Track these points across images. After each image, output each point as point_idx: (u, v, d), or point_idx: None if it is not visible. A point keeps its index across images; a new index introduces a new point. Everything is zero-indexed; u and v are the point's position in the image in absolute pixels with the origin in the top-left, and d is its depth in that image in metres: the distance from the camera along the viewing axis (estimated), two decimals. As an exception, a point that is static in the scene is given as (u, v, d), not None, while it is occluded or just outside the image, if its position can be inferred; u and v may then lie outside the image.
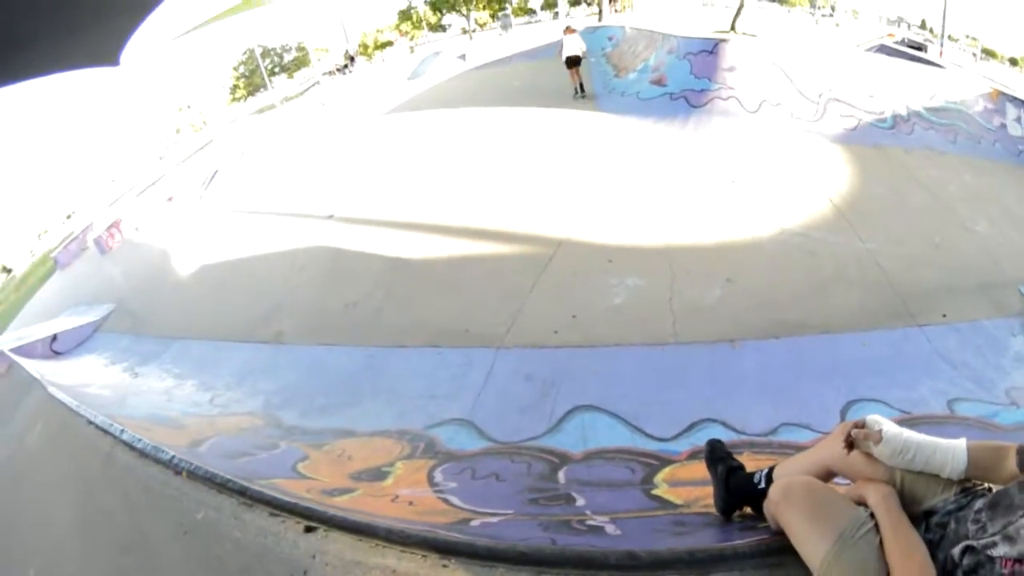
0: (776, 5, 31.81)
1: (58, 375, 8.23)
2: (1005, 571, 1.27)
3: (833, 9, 32.75)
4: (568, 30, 14.77)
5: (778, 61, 10.90)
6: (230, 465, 3.81)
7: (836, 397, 4.97)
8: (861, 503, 1.78)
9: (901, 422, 4.09)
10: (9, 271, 47.17)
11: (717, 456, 2.55)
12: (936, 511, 1.70)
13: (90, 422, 4.54)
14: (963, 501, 1.66)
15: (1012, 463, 1.60)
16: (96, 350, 10.31)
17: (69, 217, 46.34)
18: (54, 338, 10.87)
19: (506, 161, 10.49)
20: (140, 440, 3.72)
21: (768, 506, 1.98)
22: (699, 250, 6.96)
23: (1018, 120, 11.50)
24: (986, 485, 1.73)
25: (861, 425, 1.84)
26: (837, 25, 29.46)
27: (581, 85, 14.43)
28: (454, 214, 8.67)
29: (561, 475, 4.19)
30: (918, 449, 1.74)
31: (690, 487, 3.73)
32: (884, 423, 1.81)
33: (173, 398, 6.60)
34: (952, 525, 1.60)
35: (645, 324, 5.88)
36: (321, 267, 8.59)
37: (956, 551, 1.48)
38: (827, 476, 2.05)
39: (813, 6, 31.85)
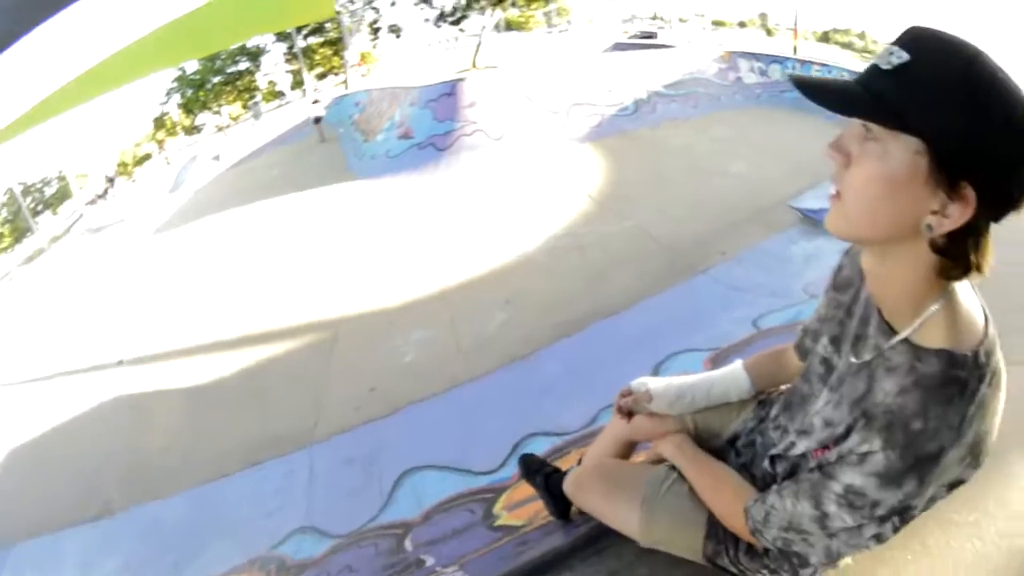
0: (515, 32, 32.87)
1: None
2: (814, 463, 1.16)
3: (569, 23, 34.39)
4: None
5: (517, 84, 11.06)
6: None
7: (646, 362, 4.95)
8: (661, 460, 1.73)
9: (714, 357, 4.42)
10: None
11: (532, 470, 2.50)
12: (740, 434, 1.65)
13: None
14: (762, 413, 1.63)
15: (793, 358, 1.53)
16: None
17: None
18: None
19: (275, 255, 9.92)
20: None
21: (573, 501, 2.00)
22: (473, 284, 6.85)
23: (751, 70, 13.18)
24: (780, 390, 1.67)
25: (628, 393, 1.78)
26: (571, 36, 30.88)
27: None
28: (237, 324, 8.12)
29: (408, 543, 4.06)
30: (693, 390, 1.70)
31: (528, 505, 3.64)
32: (649, 382, 1.75)
33: None
34: (759, 440, 1.55)
35: (440, 371, 5.74)
36: (125, 419, 7.72)
37: (766, 463, 1.40)
38: (628, 449, 2.03)
39: (550, 24, 33.28)
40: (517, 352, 5.62)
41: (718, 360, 4.73)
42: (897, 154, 0.84)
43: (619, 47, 18.57)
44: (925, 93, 0.81)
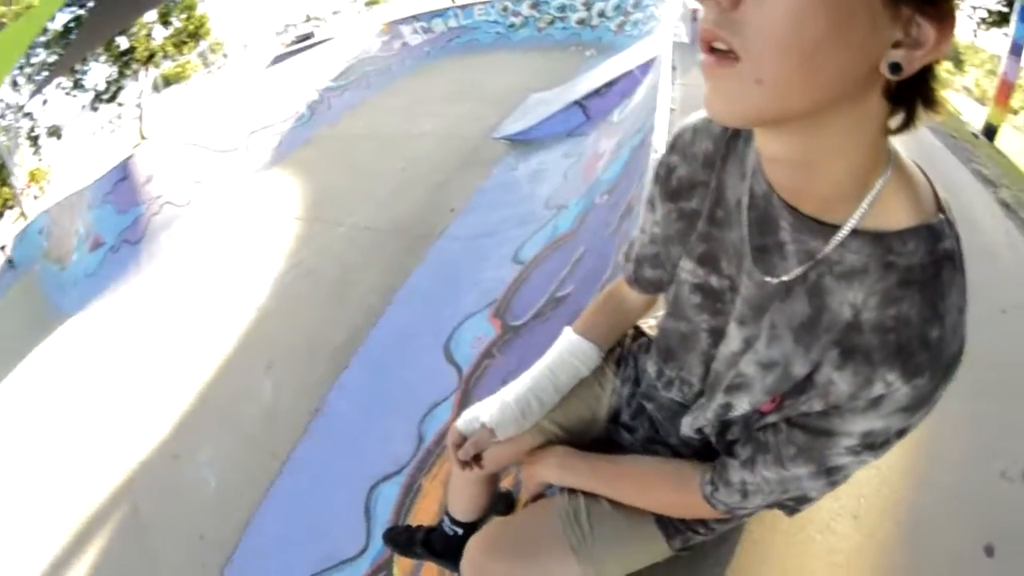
0: (175, 87, 31.01)
1: None
2: (774, 417, 0.89)
3: (226, 56, 33.03)
4: None
5: (186, 137, 10.23)
6: None
7: (435, 349, 4.55)
8: (544, 491, 1.46)
9: (496, 309, 4.45)
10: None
11: (402, 541, 2.16)
12: (619, 407, 1.39)
13: None
14: (629, 373, 1.36)
15: (630, 295, 1.28)
16: None
17: None
18: None
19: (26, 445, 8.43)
20: None
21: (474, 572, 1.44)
22: (230, 367, 6.07)
23: (415, 32, 13.48)
24: (630, 343, 1.41)
25: (460, 440, 1.35)
26: (231, 68, 29.73)
27: None
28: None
29: None
30: (536, 392, 1.30)
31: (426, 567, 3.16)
32: (479, 414, 1.34)
33: None
34: (650, 405, 1.28)
35: (251, 478, 4.99)
36: None
37: (685, 431, 1.12)
38: (492, 484, 1.72)
39: (206, 65, 31.69)
40: (304, 410, 4.97)
41: (503, 309, 4.50)
42: None
43: (279, 59, 18.06)
44: None
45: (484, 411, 1.33)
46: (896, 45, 0.58)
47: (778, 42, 0.56)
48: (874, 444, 0.78)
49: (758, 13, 0.56)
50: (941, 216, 0.70)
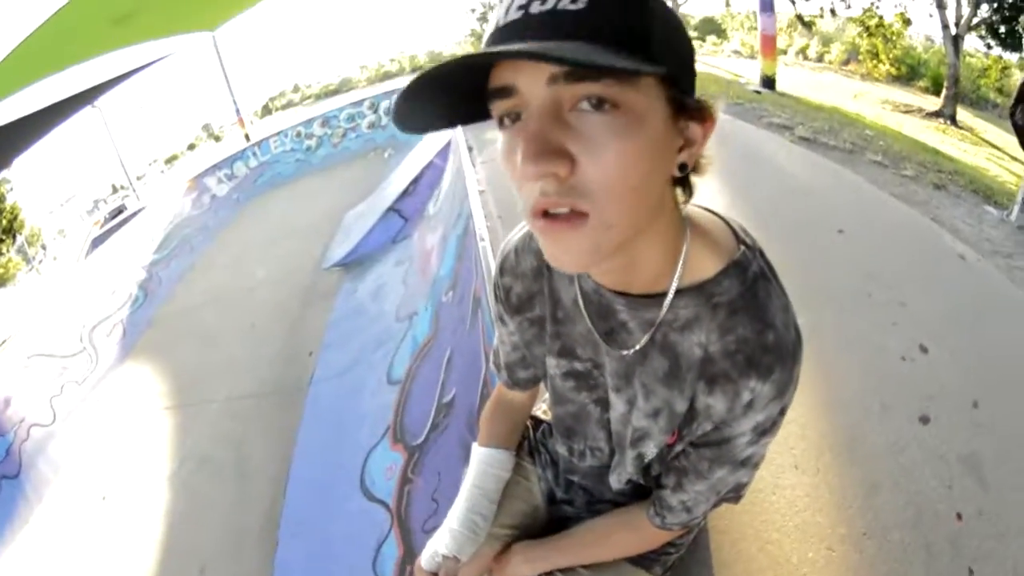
0: (2, 290, 28.96)
1: None
2: (681, 446, 1.03)
3: (44, 247, 31.19)
4: None
5: (25, 349, 9.28)
6: None
7: (351, 484, 4.62)
8: None
9: (393, 432, 4.53)
10: None
11: None
12: (552, 490, 1.50)
13: None
14: (546, 459, 1.51)
15: (515, 397, 1.42)
16: None
17: None
18: None
19: None
20: None
21: None
22: None
23: (220, 181, 13.24)
24: (534, 434, 1.56)
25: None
26: (55, 259, 28.13)
27: None
28: None
29: None
30: (476, 511, 1.37)
31: None
32: (438, 548, 1.37)
33: None
34: (577, 479, 1.43)
35: None
36: None
37: (616, 486, 1.24)
38: None
39: (28, 260, 29.83)
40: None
41: (400, 432, 4.57)
42: (642, 107, 0.63)
43: (98, 242, 17.27)
44: (654, 16, 0.62)
45: (439, 544, 1.36)
46: (680, 149, 0.71)
47: (620, 190, 0.64)
48: (766, 430, 0.92)
49: (596, 171, 0.63)
50: (742, 247, 0.86)
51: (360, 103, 13.48)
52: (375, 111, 12.97)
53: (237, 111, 21.83)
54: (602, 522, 1.31)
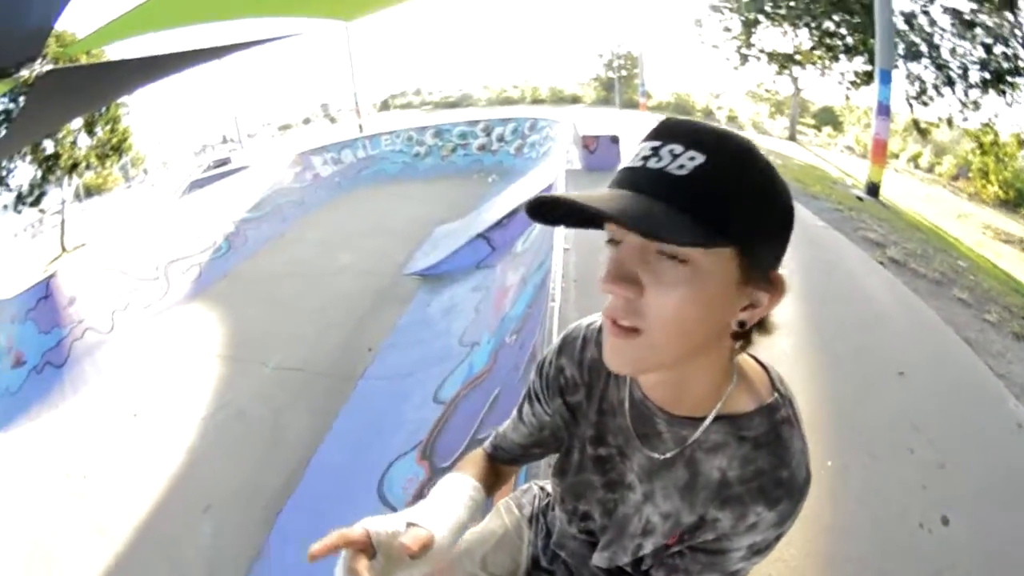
0: (95, 197, 30.26)
1: None
2: (677, 548, 1.05)
3: (146, 171, 32.45)
4: None
5: (108, 260, 9.97)
6: None
7: (369, 490, 4.65)
8: None
9: (423, 449, 4.48)
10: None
11: None
12: (537, 556, 1.48)
13: None
14: (541, 527, 1.49)
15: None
16: None
17: None
18: None
19: None
20: None
21: None
22: (168, 509, 5.79)
23: (325, 163, 13.56)
24: (539, 503, 1.56)
25: (363, 541, 1.00)
26: (152, 186, 29.17)
27: None
28: None
29: None
30: (430, 505, 1.17)
31: None
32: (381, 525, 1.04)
33: None
34: (563, 553, 1.38)
35: None
36: None
37: (605, 565, 1.19)
38: None
39: (127, 179, 31.11)
40: (245, 555, 4.87)
41: (429, 450, 4.59)
42: (711, 268, 0.75)
43: (197, 184, 17.97)
44: (743, 197, 0.73)
45: (423, 517, 1.12)
46: (743, 309, 0.81)
47: (668, 323, 0.77)
48: (760, 551, 0.98)
49: (655, 304, 0.77)
50: (775, 394, 0.95)
51: (475, 123, 13.75)
52: (487, 135, 13.22)
53: (356, 103, 22.53)
54: None
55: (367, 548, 0.98)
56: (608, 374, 1.11)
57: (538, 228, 6.85)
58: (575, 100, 37.28)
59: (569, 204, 0.73)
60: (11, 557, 6.40)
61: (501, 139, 12.60)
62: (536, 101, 37.56)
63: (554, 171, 7.67)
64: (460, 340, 5.83)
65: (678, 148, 0.73)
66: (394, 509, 3.85)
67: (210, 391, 7.00)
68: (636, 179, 0.75)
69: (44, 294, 10.00)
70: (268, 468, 5.52)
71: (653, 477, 1.06)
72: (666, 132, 0.76)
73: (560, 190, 6.48)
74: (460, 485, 1.26)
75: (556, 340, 1.19)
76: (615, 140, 9.67)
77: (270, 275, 9.55)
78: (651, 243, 0.75)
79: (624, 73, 34.81)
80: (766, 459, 0.92)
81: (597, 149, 10.15)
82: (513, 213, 7.75)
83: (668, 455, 1.01)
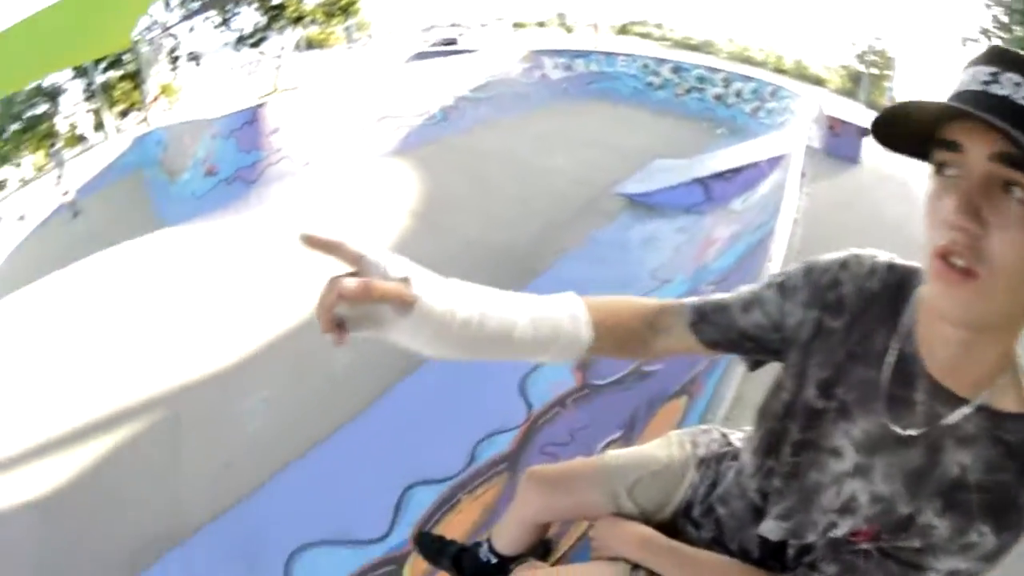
0: (315, 51, 32.00)
1: None
2: (867, 545, 0.96)
3: (370, 36, 33.76)
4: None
5: (319, 103, 10.49)
6: None
7: (511, 382, 4.49)
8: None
9: (581, 364, 4.23)
10: None
11: (433, 548, 2.27)
12: (692, 502, 1.41)
13: None
14: (709, 475, 1.41)
15: (665, 332, 1.13)
16: None
17: None
18: None
19: (94, 325, 8.57)
20: None
21: None
22: (308, 327, 5.91)
23: (555, 66, 13.47)
24: (717, 448, 1.47)
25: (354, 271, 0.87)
26: (373, 50, 30.30)
27: None
28: (67, 413, 6.56)
29: None
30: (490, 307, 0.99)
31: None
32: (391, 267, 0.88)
33: None
34: (723, 510, 1.31)
35: (294, 432, 5.06)
36: None
37: (753, 537, 1.20)
38: (544, 525, 1.76)
39: (350, 40, 32.55)
40: (369, 395, 5.11)
41: (587, 365, 4.37)
42: None
43: (421, 56, 18.50)
44: None
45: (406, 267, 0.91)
46: None
47: (1010, 271, 0.71)
48: None
49: (999, 245, 0.70)
50: None
51: (716, 71, 13.10)
52: (726, 87, 12.49)
53: (596, 19, 22.08)
54: (733, 564, 1.25)
55: (355, 267, 0.86)
56: (878, 313, 0.98)
57: (762, 191, 6.50)
58: (819, 82, 35.16)
59: (927, 108, 0.73)
60: (146, 320, 7.32)
61: (739, 95, 11.90)
62: (778, 70, 35.68)
63: (792, 143, 7.15)
64: (652, 274, 5.59)
65: (1017, 78, 0.69)
66: (529, 405, 4.26)
67: (387, 245, 7.00)
68: (977, 101, 0.70)
69: (250, 119, 10.68)
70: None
71: (877, 451, 0.95)
72: (1000, 59, 0.71)
73: (796, 166, 6.05)
74: (555, 301, 1.04)
75: (839, 253, 1.04)
76: (864, 132, 9.04)
77: (479, 153, 9.62)
78: (996, 177, 0.71)
79: (875, 71, 32.35)
80: (1016, 474, 0.83)
81: (841, 134, 9.48)
82: (738, 170, 7.30)
83: (910, 432, 0.91)
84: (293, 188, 9.53)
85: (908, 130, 0.77)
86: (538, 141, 9.66)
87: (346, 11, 25.00)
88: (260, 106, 10.68)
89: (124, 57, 30.46)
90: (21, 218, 19.95)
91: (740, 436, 1.51)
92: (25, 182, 36.73)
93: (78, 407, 6.82)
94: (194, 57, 30.88)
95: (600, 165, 8.32)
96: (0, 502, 6.26)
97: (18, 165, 36.99)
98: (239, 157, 10.43)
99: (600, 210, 7.08)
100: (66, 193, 18.13)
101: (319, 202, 8.97)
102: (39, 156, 37.12)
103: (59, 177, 31.31)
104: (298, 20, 22.69)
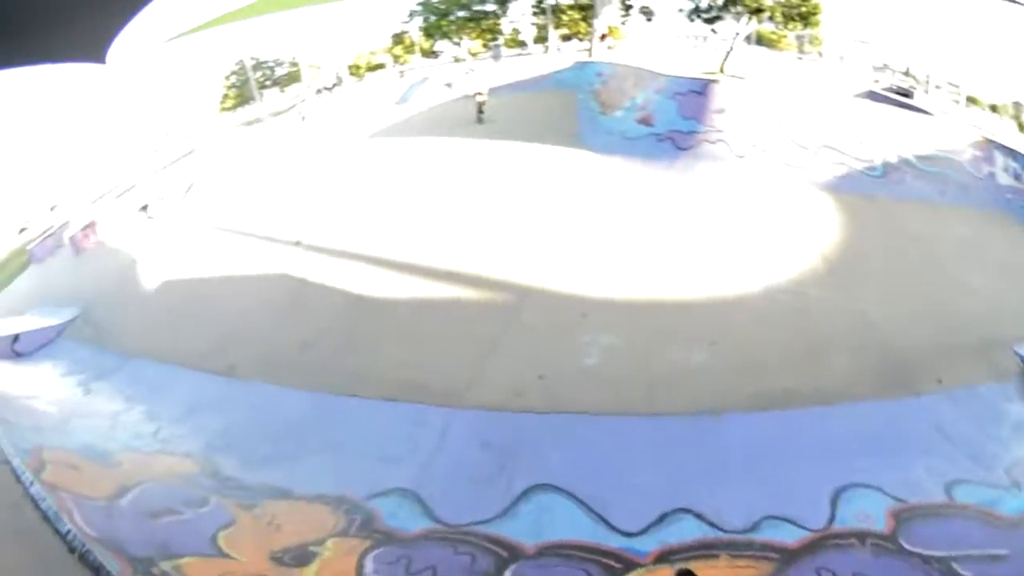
0: (764, 48, 31.78)
1: (10, 379, 8.32)
2: None
3: (820, 54, 32.71)
4: (469, 71, 15.90)
5: (769, 105, 10.68)
6: (145, 531, 3.53)
7: (825, 482, 4.55)
8: None
9: (898, 512, 3.90)
10: (-16, 258, 47.11)
11: None
12: None
13: (6, 461, 4.34)
14: None
15: None
16: (55, 357, 10.10)
17: (52, 209, 46.81)
18: (16, 338, 10.76)
19: (482, 198, 10.13)
20: (45, 499, 3.51)
21: None
22: (682, 307, 6.44)
23: (1006, 169, 11.63)
24: None
25: None
26: (823, 68, 29.33)
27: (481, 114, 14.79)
28: (423, 253, 8.28)
29: (508, 574, 3.84)
30: None
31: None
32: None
33: (118, 425, 6.32)
34: None
35: (618, 389, 5.36)
36: (282, 298, 8.30)
37: None
38: None
39: (801, 50, 31.82)
40: (704, 404, 5.15)
41: (901, 518, 4.27)
42: None
43: (873, 96, 17.66)
44: None
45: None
46: None
47: None
48: None
49: None
50: None
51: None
52: None
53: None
54: None
55: None
56: None
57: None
58: None
59: None
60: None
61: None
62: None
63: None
64: (1007, 469, 5.00)
65: None
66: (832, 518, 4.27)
67: (790, 273, 7.11)
68: None
69: (698, 90, 11.33)
70: (788, 370, 5.78)
71: None
72: None
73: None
74: None
75: None
76: None
77: (906, 231, 8.92)
78: None
79: None
80: None
81: None
82: None
83: None
84: (721, 173, 9.90)
85: None
86: (963, 246, 8.64)
87: (806, 20, 24.31)
88: (711, 81, 11.18)
89: (578, -12, 33.05)
90: (448, 85, 22.94)
91: None
92: (458, 59, 42.25)
93: (440, 250, 8.34)
94: (646, 11, 32.49)
95: (1014, 307, 7.19)
96: (336, 283, 8.02)
97: (456, 44, 42.38)
98: (677, 120, 11.18)
99: (993, 359, 6.20)
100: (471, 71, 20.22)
101: (741, 199, 9.18)
102: (476, 44, 42.20)
103: (494, 58, 35.13)
104: (756, 12, 22.69)
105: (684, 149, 10.53)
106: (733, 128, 10.41)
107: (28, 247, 25.16)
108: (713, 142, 10.39)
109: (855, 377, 5.53)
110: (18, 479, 4.00)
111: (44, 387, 8.41)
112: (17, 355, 10.40)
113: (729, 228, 7.92)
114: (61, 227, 23.41)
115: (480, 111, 15.83)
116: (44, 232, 28.36)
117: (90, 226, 17.82)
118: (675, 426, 4.96)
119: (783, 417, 5.05)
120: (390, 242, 8.84)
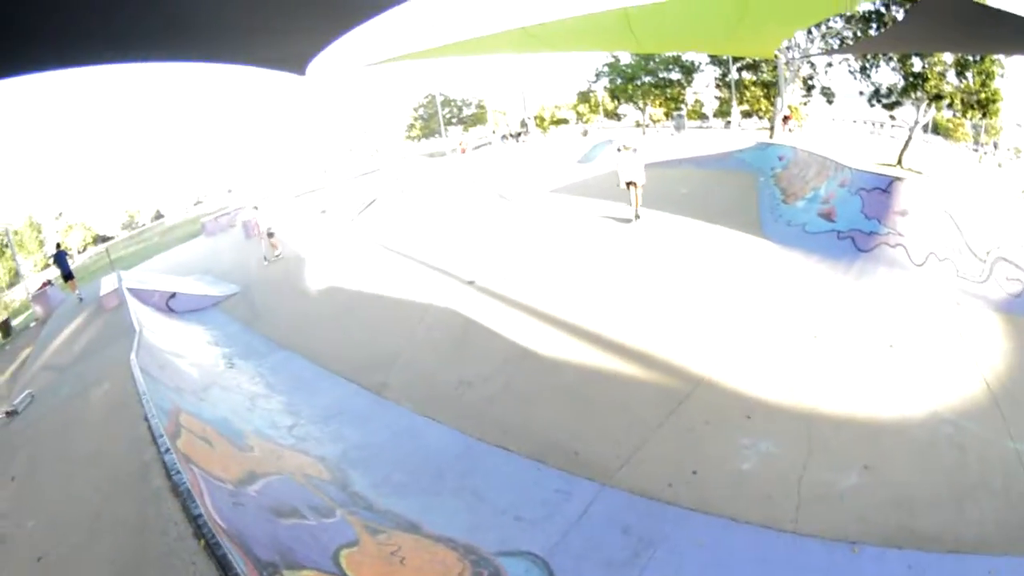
0: (939, 138, 29.86)
1: (160, 332, 8.65)
2: None
3: (996, 146, 29.95)
4: (625, 148, 14.08)
5: (949, 207, 9.63)
6: (268, 531, 3.48)
7: None
8: None
9: None
10: (161, 216, 53.90)
11: None
12: None
13: (146, 418, 4.42)
14: None
15: None
16: (207, 323, 10.75)
17: (229, 192, 51.78)
18: (173, 295, 11.74)
19: (659, 273, 9.96)
20: (178, 473, 3.47)
21: None
22: (841, 422, 5.99)
23: None
24: None
25: None
26: (1000, 165, 26.67)
27: (637, 211, 13.48)
28: (596, 319, 8.20)
29: None
30: None
31: None
32: None
33: (256, 408, 6.53)
34: None
35: (768, 501, 5.06)
36: (448, 333, 8.43)
37: None
38: None
39: (977, 143, 29.39)
40: (847, 531, 4.74)
41: None
42: None
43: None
44: None
45: None
46: None
47: None
48: None
49: None
50: None
51: None
52: None
53: None
54: None
55: None
56: None
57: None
58: None
59: None
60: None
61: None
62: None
63: None
64: None
65: None
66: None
67: (954, 401, 6.26)
68: None
69: (882, 187, 10.48)
70: (944, 507, 5.03)
71: None
72: None
73: None
74: None
75: None
76: None
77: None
78: None
79: None
80: None
81: None
82: None
83: None
84: (900, 282, 9.09)
85: None
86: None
87: (984, 108, 22.52)
88: (896, 179, 10.36)
89: (762, 65, 32.53)
90: (634, 150, 22.88)
91: None
92: (640, 125, 42.60)
93: (614, 321, 8.13)
94: (827, 93, 31.44)
95: None
96: (503, 328, 8.18)
97: (640, 109, 42.90)
98: (859, 219, 10.42)
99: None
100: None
101: (917, 312, 8.26)
102: (659, 112, 42.51)
103: (673, 132, 35.28)
104: (936, 99, 21.33)
105: (864, 251, 9.83)
106: (914, 232, 9.53)
107: (202, 220, 27.83)
108: (893, 246, 9.56)
109: (998, 528, 4.86)
110: (153, 439, 4.07)
111: (190, 349, 8.88)
112: (171, 311, 11.36)
113: (899, 343, 7.23)
114: (236, 210, 25.51)
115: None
116: (219, 210, 31.37)
117: (265, 216, 18.92)
118: (815, 549, 4.61)
119: (917, 559, 4.56)
120: (562, 301, 8.89)
